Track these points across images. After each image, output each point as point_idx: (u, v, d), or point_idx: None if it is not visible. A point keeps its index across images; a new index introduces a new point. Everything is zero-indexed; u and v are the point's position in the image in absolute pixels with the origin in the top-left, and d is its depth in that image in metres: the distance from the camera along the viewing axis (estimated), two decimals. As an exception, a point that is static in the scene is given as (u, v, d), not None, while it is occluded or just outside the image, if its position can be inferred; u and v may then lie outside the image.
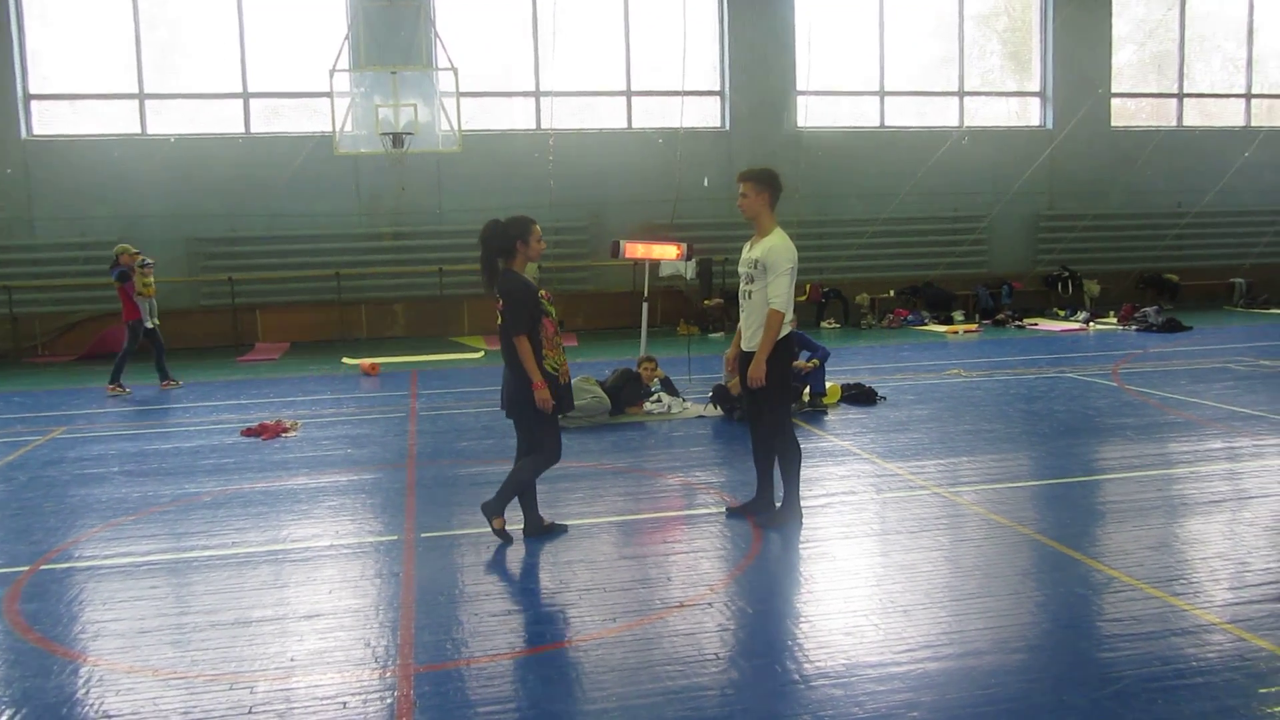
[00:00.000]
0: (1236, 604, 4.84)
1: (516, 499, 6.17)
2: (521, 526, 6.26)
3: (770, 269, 6.01)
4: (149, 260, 13.36)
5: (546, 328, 5.92)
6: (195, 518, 6.95)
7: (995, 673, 4.18)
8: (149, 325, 13.29)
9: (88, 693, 4.25)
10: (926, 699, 3.97)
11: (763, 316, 6.07)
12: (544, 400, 5.82)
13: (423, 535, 6.35)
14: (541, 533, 6.19)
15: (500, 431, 9.72)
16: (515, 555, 5.93)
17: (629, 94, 20.30)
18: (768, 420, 6.26)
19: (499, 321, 5.94)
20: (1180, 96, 23.00)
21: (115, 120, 18.76)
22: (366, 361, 14.73)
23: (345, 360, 15.99)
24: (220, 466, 8.55)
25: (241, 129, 19.03)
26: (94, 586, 5.62)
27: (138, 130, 18.70)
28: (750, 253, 6.20)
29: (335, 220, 19.12)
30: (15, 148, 18.08)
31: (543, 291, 5.94)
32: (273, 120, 19.43)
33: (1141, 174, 22.23)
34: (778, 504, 6.43)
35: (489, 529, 6.13)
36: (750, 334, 6.20)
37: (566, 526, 6.31)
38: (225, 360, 16.69)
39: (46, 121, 18.61)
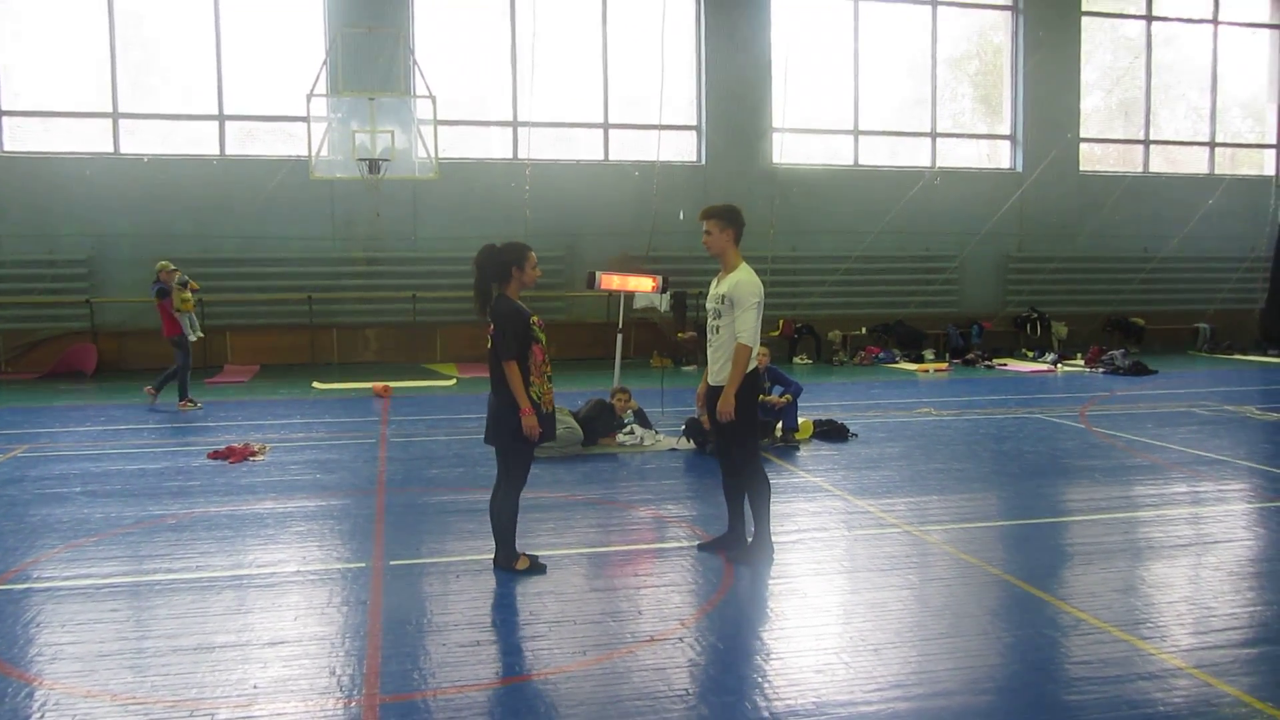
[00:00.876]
0: (1202, 649, 4.87)
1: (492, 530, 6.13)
2: (495, 558, 6.20)
3: (737, 304, 6.05)
4: (188, 278, 13.74)
5: (536, 354, 5.91)
6: (159, 540, 6.84)
7: (964, 713, 4.18)
8: (192, 338, 13.66)
9: (42, 717, 4.15)
10: (896, 738, 3.96)
11: (730, 351, 6.09)
12: (530, 427, 5.79)
13: (391, 563, 6.29)
14: (514, 568, 6.11)
15: (472, 460, 9.67)
16: (485, 585, 5.87)
17: (606, 126, 20.42)
18: (736, 455, 6.26)
19: (489, 345, 5.91)
20: (1146, 143, 23.45)
21: (88, 138, 18.64)
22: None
23: (315, 385, 15.86)
24: (185, 489, 8.44)
25: (216, 151, 18.96)
26: (52, 608, 5.51)
27: (110, 149, 18.57)
28: (717, 288, 6.24)
29: (309, 244, 19.03)
30: (-15, 162, 17.89)
31: (535, 318, 5.93)
32: (248, 143, 19.38)
33: (1109, 218, 22.60)
34: (749, 539, 6.42)
35: (458, 558, 6.07)
36: (718, 368, 6.22)
37: (545, 567, 6.21)
38: (194, 382, 16.45)
39: (18, 138, 18.45)
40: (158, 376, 13.89)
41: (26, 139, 18.56)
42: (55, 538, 6.92)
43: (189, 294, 13.66)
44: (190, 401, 13.47)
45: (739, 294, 6.06)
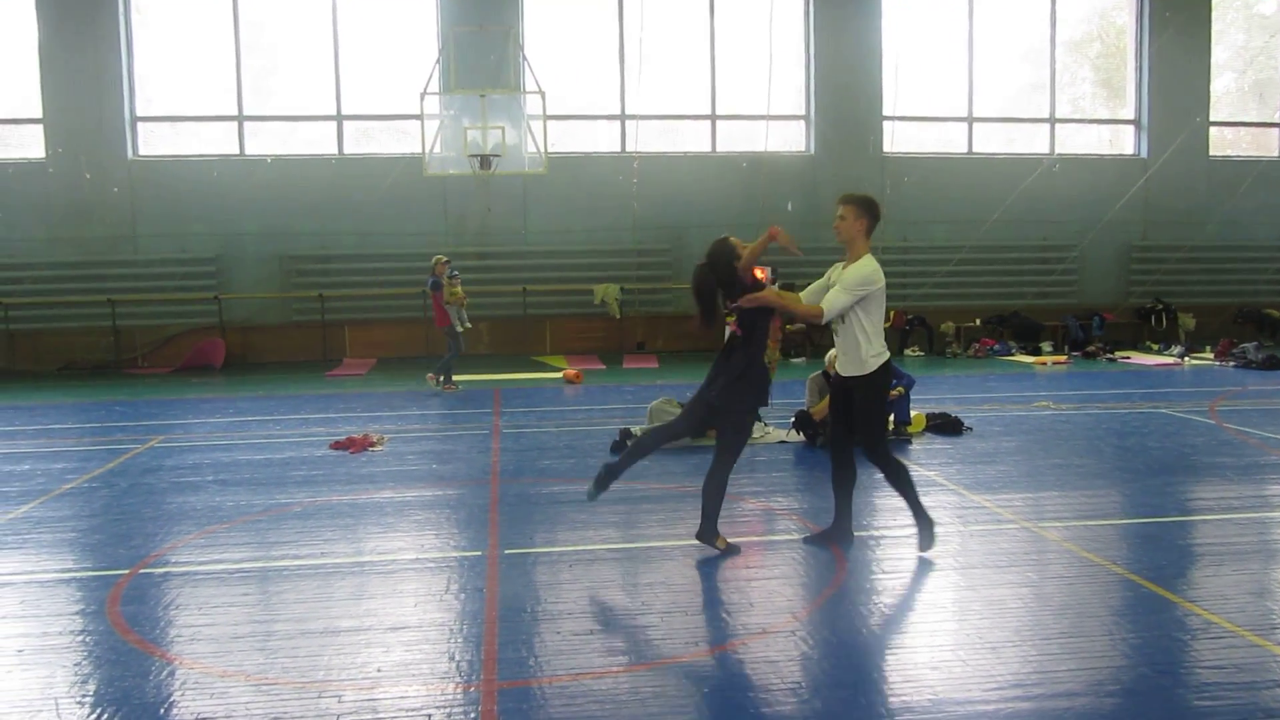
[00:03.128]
0: (1345, 654, 4.64)
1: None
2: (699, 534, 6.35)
3: (840, 283, 6.02)
4: (457, 271, 14.62)
5: (775, 322, 6.07)
6: (285, 527, 7.12)
7: (1088, 716, 4.07)
8: (460, 329, 14.46)
9: (183, 695, 4.37)
10: (1016, 739, 3.88)
11: (854, 343, 6.05)
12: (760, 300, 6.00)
13: (506, 551, 6.41)
14: (714, 545, 6.26)
15: (583, 451, 9.79)
16: (597, 575, 5.95)
17: (714, 117, 20.38)
18: (866, 447, 6.19)
19: (732, 326, 6.08)
20: (1283, 125, 22.30)
21: (215, 141, 19.47)
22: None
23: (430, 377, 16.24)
24: (309, 478, 8.75)
25: (334, 150, 19.56)
26: (189, 591, 5.78)
27: (236, 151, 19.35)
28: (839, 274, 6.18)
29: (423, 240, 19.49)
30: (122, 167, 18.83)
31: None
32: (364, 142, 19.95)
33: (1241, 205, 21.56)
34: (855, 532, 6.39)
35: (570, 548, 6.16)
36: (844, 360, 6.16)
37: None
38: (314, 375, 17.10)
39: (151, 143, 19.38)
40: (436, 365, 14.70)
41: (158, 143, 19.47)
42: (190, 524, 7.26)
43: (459, 288, 14.41)
44: (453, 385, 14.35)
45: (846, 277, 6.02)
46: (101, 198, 18.77)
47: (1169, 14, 21.19)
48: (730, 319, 6.09)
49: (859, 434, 6.20)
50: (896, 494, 6.29)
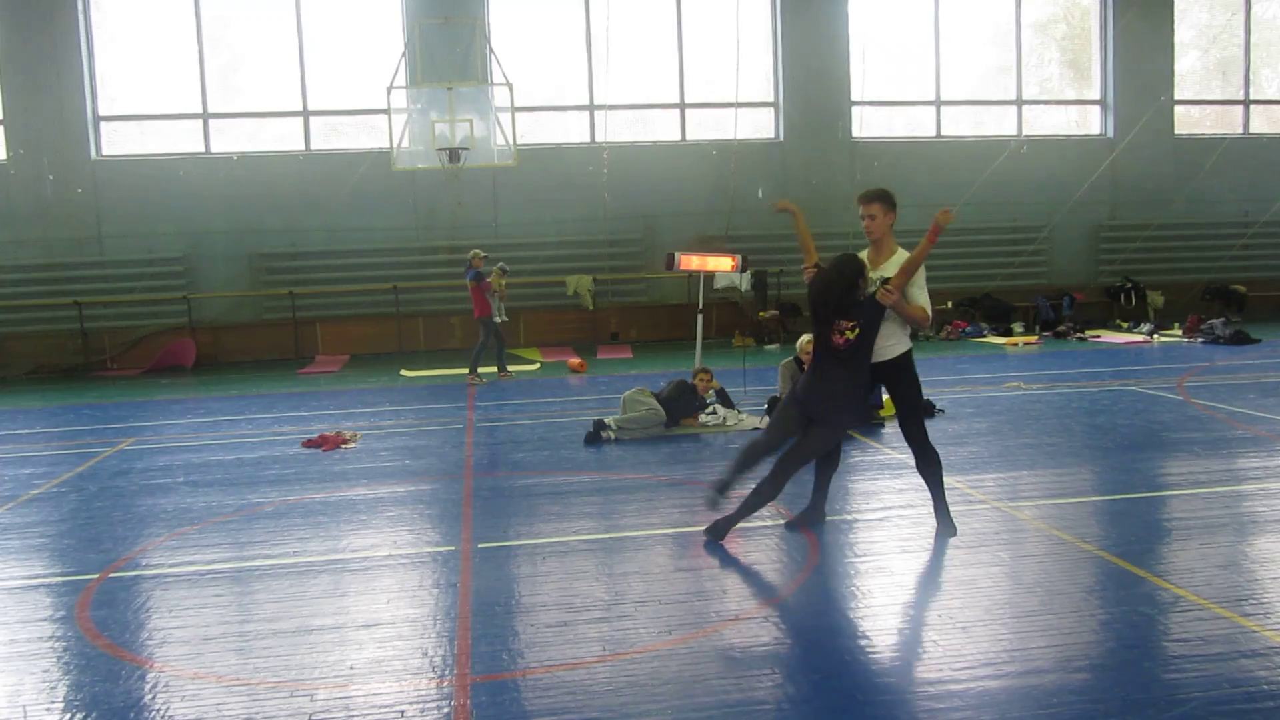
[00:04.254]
0: (1310, 624, 4.71)
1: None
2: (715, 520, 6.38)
3: (914, 280, 6.14)
4: (504, 266, 15.49)
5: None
6: (258, 527, 7.07)
7: (1058, 692, 4.11)
8: (499, 320, 14.92)
9: (154, 698, 4.34)
10: (986, 717, 3.91)
11: (891, 330, 6.15)
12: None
13: (479, 546, 6.40)
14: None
15: (556, 443, 9.78)
16: (572, 567, 5.95)
17: (682, 106, 20.35)
18: (913, 430, 6.30)
19: (849, 335, 6.01)
20: (1246, 103, 22.50)
21: (180, 140, 19.26)
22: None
23: (403, 373, 16.19)
24: (282, 477, 8.70)
25: (301, 146, 19.41)
26: (160, 594, 5.74)
27: (201, 149, 19.16)
28: (878, 272, 6.23)
29: (393, 235, 19.39)
30: (85, 167, 18.61)
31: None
32: (332, 137, 19.79)
33: (1207, 182, 21.73)
34: (829, 516, 6.48)
35: (545, 540, 6.16)
36: (882, 345, 6.20)
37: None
38: (286, 373, 16.99)
39: (115, 142, 19.14)
40: (470, 361, 14.84)
41: (123, 143, 19.24)
42: (161, 526, 7.20)
43: (504, 281, 15.09)
44: (478, 378, 14.55)
45: (913, 272, 6.12)
46: (65, 199, 18.54)
47: (1132, -7, 21.33)
48: (850, 332, 6.04)
49: (904, 418, 6.34)
50: (923, 481, 6.40)
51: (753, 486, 6.23)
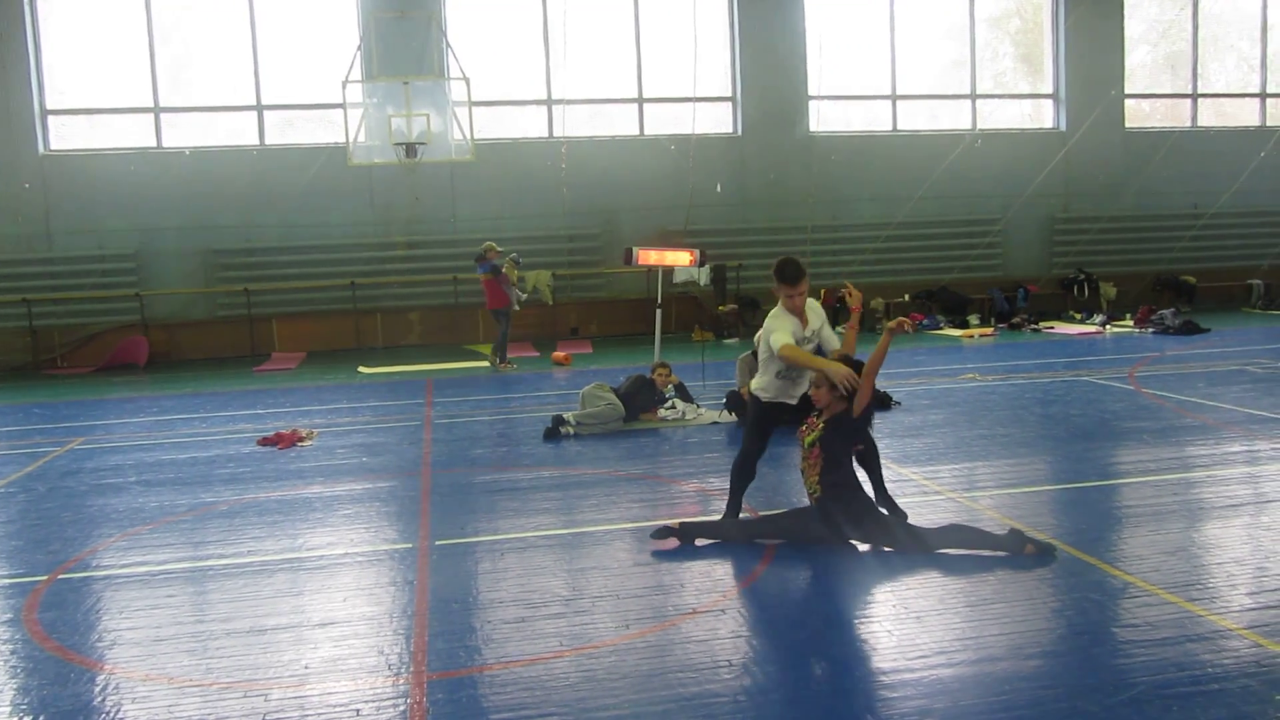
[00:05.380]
0: (1254, 609, 4.81)
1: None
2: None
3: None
4: (517, 257, 15.87)
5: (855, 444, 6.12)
6: (212, 527, 6.99)
7: (1009, 679, 4.16)
8: (516, 308, 15.53)
9: (104, 700, 4.28)
10: (940, 705, 3.96)
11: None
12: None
13: (437, 543, 6.37)
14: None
15: (514, 439, 9.76)
16: (530, 563, 5.93)
17: (640, 100, 20.33)
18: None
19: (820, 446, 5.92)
20: (1195, 97, 22.88)
21: (131, 134, 18.90)
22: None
23: (361, 369, 16.06)
24: (236, 476, 8.60)
25: (256, 141, 19.15)
26: (111, 595, 5.66)
27: (153, 144, 18.84)
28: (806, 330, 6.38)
29: (350, 230, 19.20)
30: (33, 162, 18.24)
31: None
32: (286, 132, 19.53)
33: (1157, 175, 22.10)
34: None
35: (503, 536, 6.15)
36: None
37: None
38: (242, 370, 16.78)
39: (64, 136, 18.77)
40: (495, 350, 15.52)
41: (72, 137, 18.87)
42: (112, 527, 7.10)
43: (517, 271, 15.61)
44: (509, 364, 15.29)
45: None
46: (12, 194, 18.15)
47: (1083, -12, 21.62)
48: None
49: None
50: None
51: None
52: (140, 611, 5.35)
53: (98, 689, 4.40)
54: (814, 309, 6.39)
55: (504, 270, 15.10)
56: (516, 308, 15.52)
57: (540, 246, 19.59)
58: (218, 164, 18.77)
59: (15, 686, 4.47)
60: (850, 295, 6.32)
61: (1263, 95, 23.25)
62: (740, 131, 20.60)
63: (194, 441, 10.35)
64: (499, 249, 15.29)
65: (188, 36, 19.25)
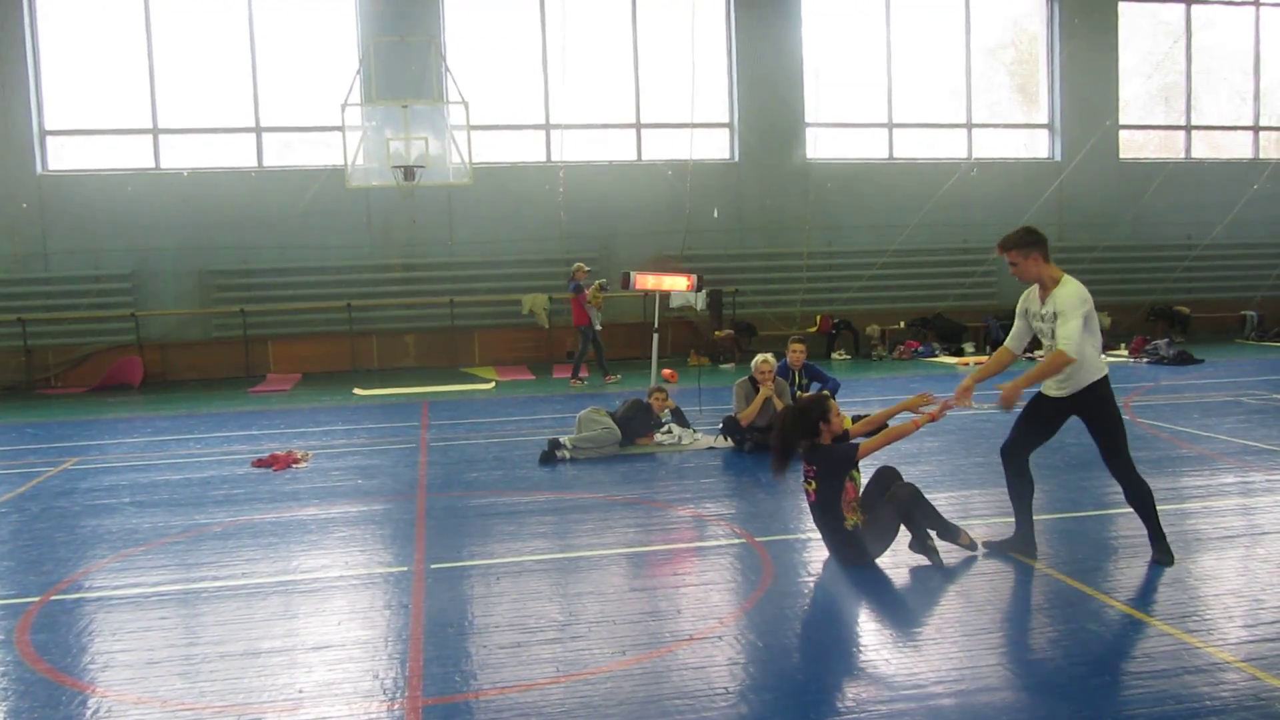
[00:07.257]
0: (1251, 641, 4.79)
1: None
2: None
3: (1063, 313, 5.90)
4: (603, 280, 17.01)
5: (848, 491, 6.06)
6: (205, 549, 6.95)
7: (1007, 710, 4.14)
8: (598, 327, 16.36)
9: (96, 725, 4.24)
10: (938, 735, 3.94)
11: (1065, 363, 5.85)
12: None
13: (432, 566, 6.34)
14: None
15: (511, 463, 9.73)
16: (525, 587, 5.91)
17: (638, 126, 20.45)
18: (1116, 464, 5.97)
19: (814, 490, 6.10)
20: (1188, 128, 23.09)
21: (129, 155, 18.98)
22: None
23: (356, 391, 16.04)
24: (231, 497, 8.57)
25: (254, 163, 19.22)
26: (104, 617, 5.62)
27: (151, 165, 18.91)
28: (1044, 307, 6.10)
29: (347, 252, 19.24)
30: (31, 183, 18.28)
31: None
32: (285, 154, 19.61)
33: (1150, 206, 22.23)
34: (786, 535, 6.45)
35: (499, 560, 6.12)
36: (1059, 380, 6.00)
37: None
38: (237, 391, 16.76)
39: (62, 157, 18.83)
40: (575, 362, 16.37)
41: (71, 158, 18.92)
42: (105, 548, 7.06)
43: (602, 295, 16.41)
44: (580, 380, 15.99)
45: (1063, 304, 5.91)
46: (9, 213, 18.18)
47: (1078, 20, 21.81)
48: (810, 483, 6.12)
49: (1108, 451, 5.96)
50: (1134, 511, 6.11)
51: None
52: (133, 634, 5.31)
53: (89, 712, 4.36)
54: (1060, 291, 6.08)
55: (587, 291, 16.02)
56: (598, 327, 16.26)
57: (536, 270, 19.64)
58: (215, 185, 18.83)
59: (6, 709, 4.43)
60: (932, 419, 6.55)
61: (1255, 128, 23.47)
62: (737, 158, 20.71)
63: (188, 462, 10.32)
64: (587, 269, 16.50)
65: (187, 58, 19.32)
